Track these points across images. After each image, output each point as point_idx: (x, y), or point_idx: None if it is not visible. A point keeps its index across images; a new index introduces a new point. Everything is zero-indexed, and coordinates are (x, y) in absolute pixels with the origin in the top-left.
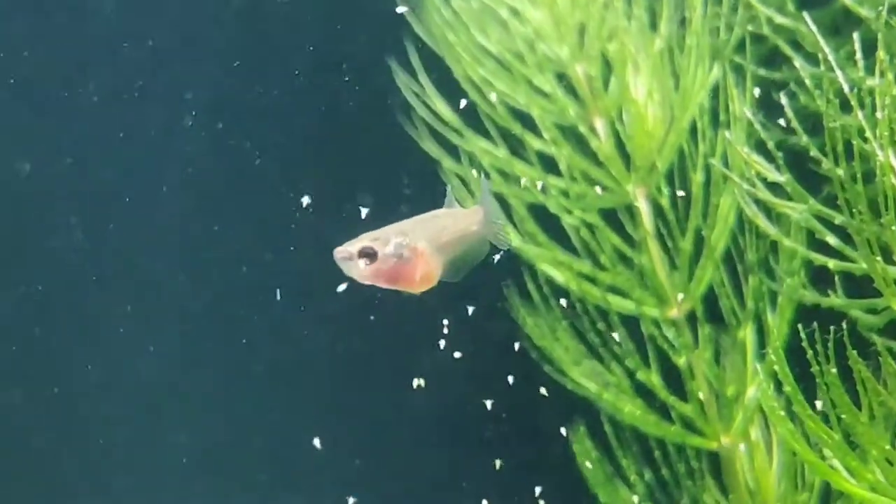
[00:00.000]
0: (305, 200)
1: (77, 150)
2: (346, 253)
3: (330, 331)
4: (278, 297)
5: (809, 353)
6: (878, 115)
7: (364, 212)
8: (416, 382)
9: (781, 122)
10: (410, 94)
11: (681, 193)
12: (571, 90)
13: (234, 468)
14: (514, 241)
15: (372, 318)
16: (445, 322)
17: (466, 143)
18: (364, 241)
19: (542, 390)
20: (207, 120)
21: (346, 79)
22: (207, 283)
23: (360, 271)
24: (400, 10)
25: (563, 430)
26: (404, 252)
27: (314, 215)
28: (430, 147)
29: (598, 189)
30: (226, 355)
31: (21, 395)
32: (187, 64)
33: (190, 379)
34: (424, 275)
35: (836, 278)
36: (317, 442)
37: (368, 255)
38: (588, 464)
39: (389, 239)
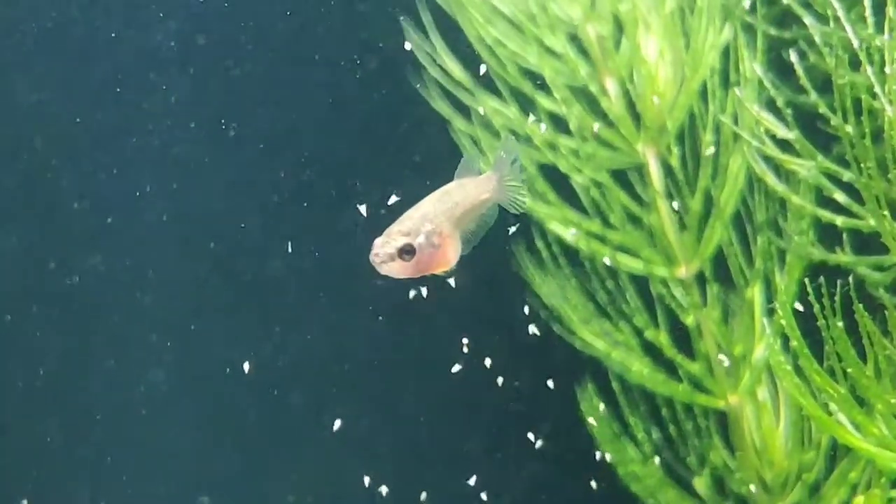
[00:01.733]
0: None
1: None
2: (387, 255)
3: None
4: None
5: (816, 307)
6: (887, 70)
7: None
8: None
9: (792, 80)
10: (423, 54)
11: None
12: (583, 51)
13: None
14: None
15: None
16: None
17: (478, 102)
18: (397, 237)
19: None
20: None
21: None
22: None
23: (401, 269)
24: None
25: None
26: (434, 240)
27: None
28: (442, 107)
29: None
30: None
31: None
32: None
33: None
34: (451, 256)
35: (844, 236)
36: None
37: (408, 252)
38: (594, 421)
39: (419, 230)
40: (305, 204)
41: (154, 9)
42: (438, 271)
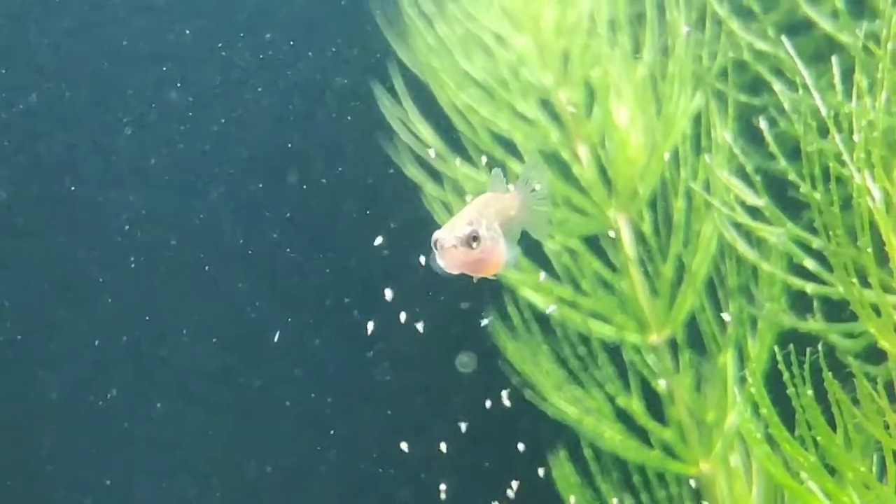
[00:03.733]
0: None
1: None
2: (457, 240)
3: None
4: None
5: (786, 375)
6: (855, 137)
7: None
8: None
9: (763, 147)
10: (395, 120)
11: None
12: (554, 116)
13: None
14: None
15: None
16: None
17: (449, 168)
18: (464, 227)
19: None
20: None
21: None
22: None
23: (465, 259)
24: None
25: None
26: (494, 235)
27: None
28: (414, 172)
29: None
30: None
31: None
32: None
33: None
34: (503, 257)
35: (815, 303)
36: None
37: (475, 238)
38: (567, 488)
39: (481, 223)
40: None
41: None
42: (490, 273)
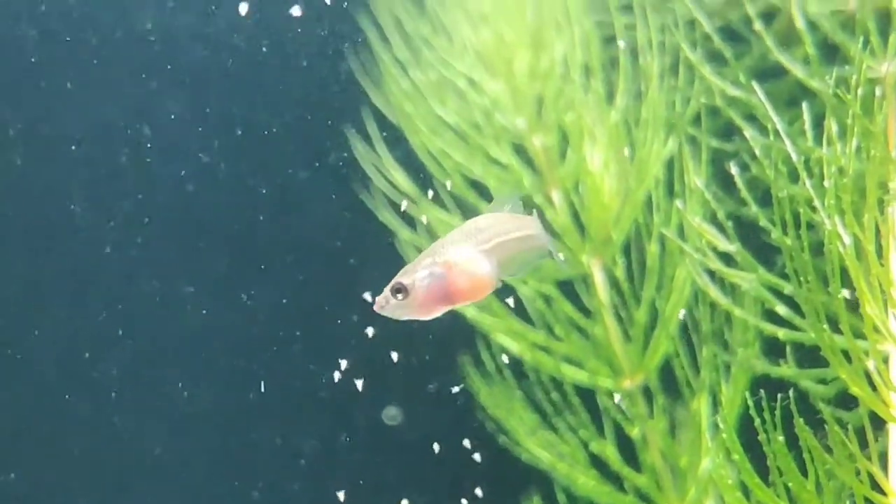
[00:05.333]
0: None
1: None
2: (383, 300)
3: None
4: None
5: (757, 421)
6: (826, 183)
7: None
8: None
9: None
10: (368, 165)
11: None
12: (528, 161)
13: None
14: (470, 311)
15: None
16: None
17: (423, 212)
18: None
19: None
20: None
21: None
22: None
23: (401, 308)
24: None
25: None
26: (436, 270)
27: None
28: (388, 218)
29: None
30: None
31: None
32: None
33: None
34: (472, 282)
35: (788, 349)
36: None
37: (399, 290)
38: None
39: (416, 269)
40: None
41: None
42: (472, 299)
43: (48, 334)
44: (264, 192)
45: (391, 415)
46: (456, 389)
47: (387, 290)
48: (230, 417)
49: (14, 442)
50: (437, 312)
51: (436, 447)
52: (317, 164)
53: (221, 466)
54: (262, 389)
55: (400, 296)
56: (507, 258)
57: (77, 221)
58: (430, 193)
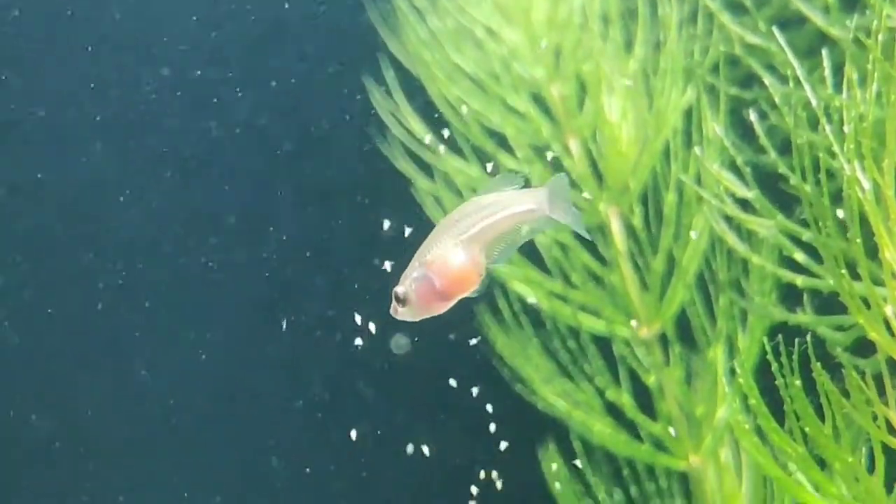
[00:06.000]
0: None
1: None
2: (393, 310)
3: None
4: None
5: (774, 365)
6: (845, 129)
7: None
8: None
9: (754, 140)
10: (386, 113)
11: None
12: (546, 110)
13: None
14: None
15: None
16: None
17: (440, 162)
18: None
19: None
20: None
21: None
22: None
23: (407, 313)
24: None
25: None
26: (421, 272)
27: None
28: (405, 167)
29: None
30: None
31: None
32: None
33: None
34: (453, 276)
35: (805, 296)
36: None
37: (400, 299)
38: (557, 483)
39: (411, 270)
40: (267, 274)
41: None
42: (464, 292)
43: (63, 284)
44: (285, 141)
45: (400, 344)
46: (474, 342)
47: (396, 298)
48: (248, 359)
49: (36, 387)
50: (445, 307)
51: (452, 395)
52: (346, 116)
53: (236, 407)
54: (283, 329)
55: (401, 304)
56: (497, 240)
57: (99, 162)
58: (447, 136)
